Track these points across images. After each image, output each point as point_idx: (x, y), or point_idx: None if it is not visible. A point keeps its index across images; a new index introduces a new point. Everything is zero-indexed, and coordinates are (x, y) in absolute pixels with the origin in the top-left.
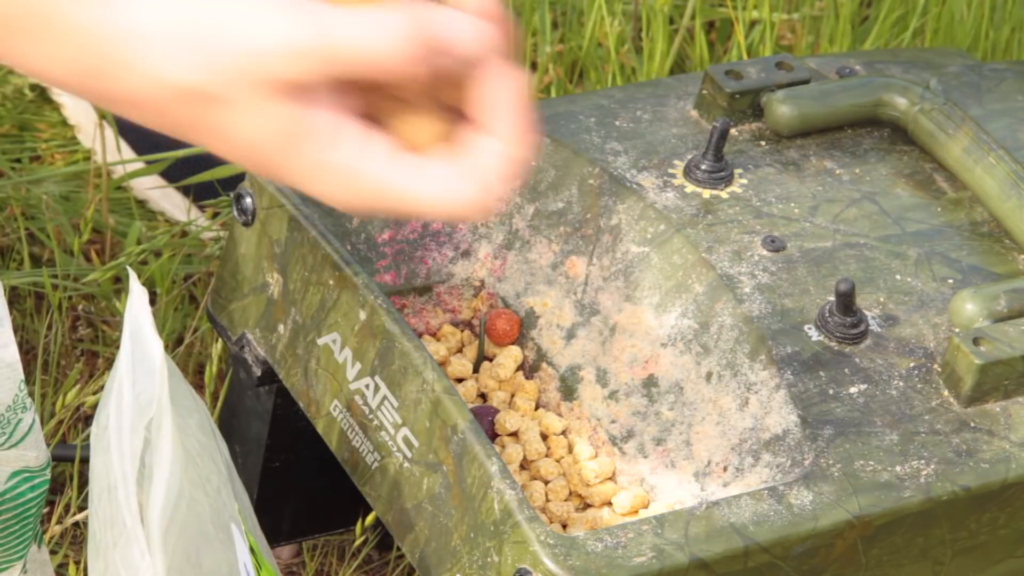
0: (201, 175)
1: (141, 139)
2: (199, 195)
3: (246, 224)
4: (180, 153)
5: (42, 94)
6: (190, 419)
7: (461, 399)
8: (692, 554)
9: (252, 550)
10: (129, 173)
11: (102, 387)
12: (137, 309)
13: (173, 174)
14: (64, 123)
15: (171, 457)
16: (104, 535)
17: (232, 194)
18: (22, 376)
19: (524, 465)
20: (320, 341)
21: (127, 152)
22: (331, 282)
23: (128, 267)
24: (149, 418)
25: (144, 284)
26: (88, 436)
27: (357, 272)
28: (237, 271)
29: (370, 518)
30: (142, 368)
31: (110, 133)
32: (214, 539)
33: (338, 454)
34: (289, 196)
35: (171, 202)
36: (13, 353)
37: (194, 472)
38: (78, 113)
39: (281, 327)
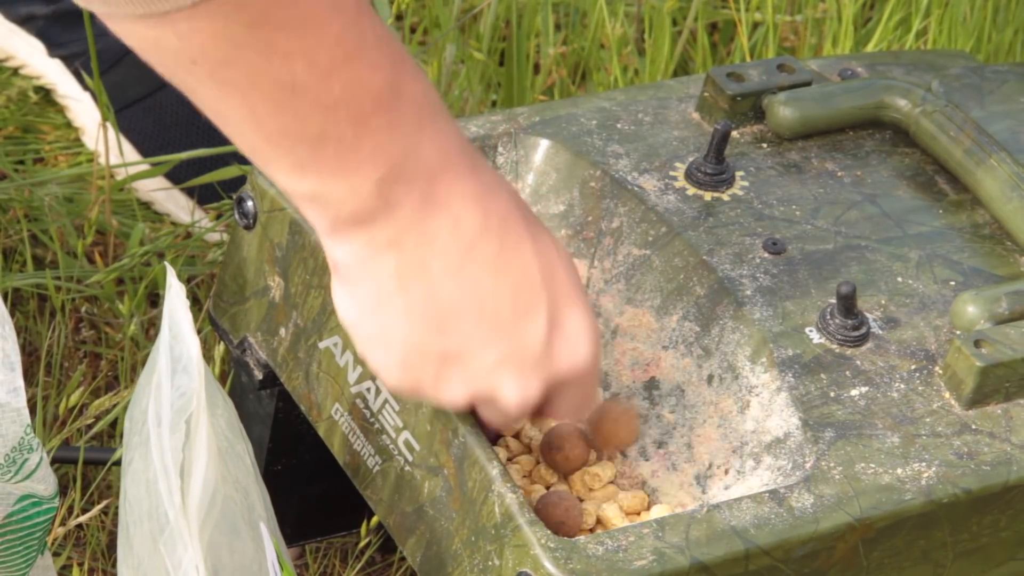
0: (204, 176)
1: (145, 140)
2: (203, 197)
3: (247, 228)
4: (184, 155)
5: (46, 96)
6: (219, 418)
7: None
8: (693, 557)
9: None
10: (133, 175)
11: (103, 388)
12: (175, 305)
13: (178, 176)
14: (68, 125)
15: (207, 452)
16: (139, 528)
17: (234, 197)
18: (29, 420)
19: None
20: (321, 344)
21: (132, 154)
22: None
23: (167, 263)
24: (189, 413)
25: (146, 287)
26: (90, 438)
27: None
28: (238, 275)
29: (375, 520)
30: (180, 364)
31: (113, 135)
32: (245, 536)
33: (339, 458)
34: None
35: (176, 204)
36: (21, 399)
37: (224, 469)
38: (83, 115)
39: (282, 330)
